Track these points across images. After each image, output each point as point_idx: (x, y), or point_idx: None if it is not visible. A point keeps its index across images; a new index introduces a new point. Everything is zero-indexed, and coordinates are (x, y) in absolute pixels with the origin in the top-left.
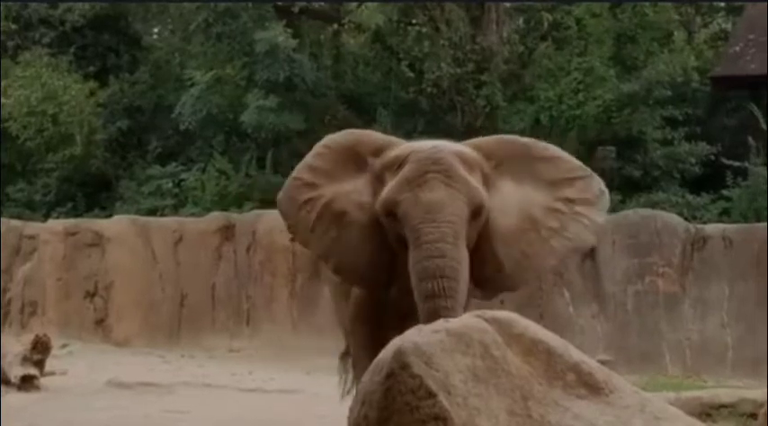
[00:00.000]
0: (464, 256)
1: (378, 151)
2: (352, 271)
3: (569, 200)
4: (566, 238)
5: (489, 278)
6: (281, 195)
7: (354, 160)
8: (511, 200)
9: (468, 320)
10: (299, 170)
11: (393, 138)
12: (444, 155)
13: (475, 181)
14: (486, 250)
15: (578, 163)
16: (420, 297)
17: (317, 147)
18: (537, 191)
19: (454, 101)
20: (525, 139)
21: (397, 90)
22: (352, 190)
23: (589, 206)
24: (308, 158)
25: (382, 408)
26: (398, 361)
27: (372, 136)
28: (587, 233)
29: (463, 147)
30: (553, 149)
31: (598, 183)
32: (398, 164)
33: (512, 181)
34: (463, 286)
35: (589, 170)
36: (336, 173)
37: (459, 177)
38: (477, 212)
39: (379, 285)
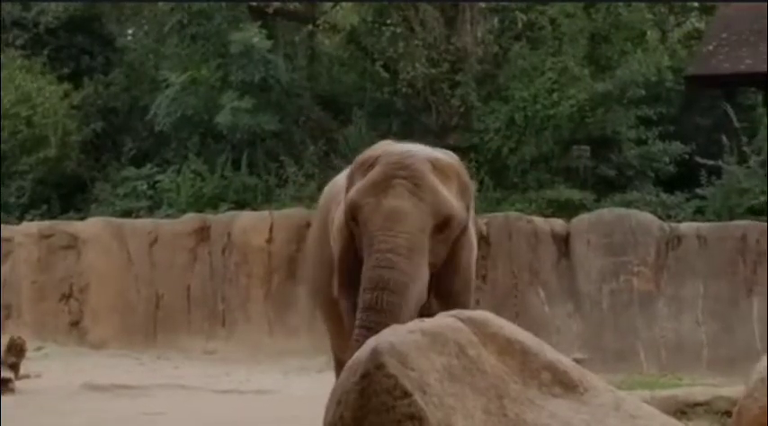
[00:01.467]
0: (418, 272)
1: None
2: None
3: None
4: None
5: (454, 292)
6: None
7: None
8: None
9: (443, 320)
10: None
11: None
12: (415, 161)
13: (447, 190)
14: (462, 264)
15: None
16: (359, 308)
17: None
18: None
19: (429, 101)
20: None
21: (371, 90)
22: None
23: None
24: None
25: (357, 408)
26: (374, 361)
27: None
28: None
29: (441, 154)
30: None
31: None
32: (368, 165)
33: None
34: (409, 302)
35: None
36: None
37: (428, 186)
38: (444, 224)
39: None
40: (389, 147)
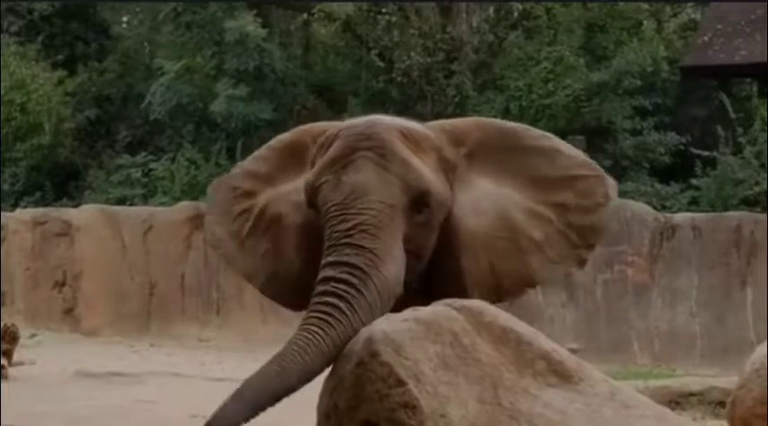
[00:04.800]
0: (388, 253)
1: (318, 137)
2: (281, 287)
3: (562, 207)
4: (549, 259)
5: (451, 295)
6: (208, 210)
7: (299, 156)
8: (484, 199)
9: (437, 308)
10: (236, 176)
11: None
12: (379, 130)
13: (420, 163)
14: (447, 258)
15: (584, 158)
16: (312, 300)
17: (261, 150)
18: (520, 190)
19: (424, 90)
20: (512, 125)
21: (367, 79)
22: (292, 190)
23: (587, 216)
24: (248, 162)
25: (352, 396)
26: (368, 349)
27: (320, 125)
28: (573, 257)
29: (413, 124)
30: (551, 139)
31: (606, 187)
32: (329, 143)
33: (488, 176)
34: (374, 290)
35: (599, 168)
36: (278, 175)
37: (396, 156)
38: (420, 201)
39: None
40: (349, 122)
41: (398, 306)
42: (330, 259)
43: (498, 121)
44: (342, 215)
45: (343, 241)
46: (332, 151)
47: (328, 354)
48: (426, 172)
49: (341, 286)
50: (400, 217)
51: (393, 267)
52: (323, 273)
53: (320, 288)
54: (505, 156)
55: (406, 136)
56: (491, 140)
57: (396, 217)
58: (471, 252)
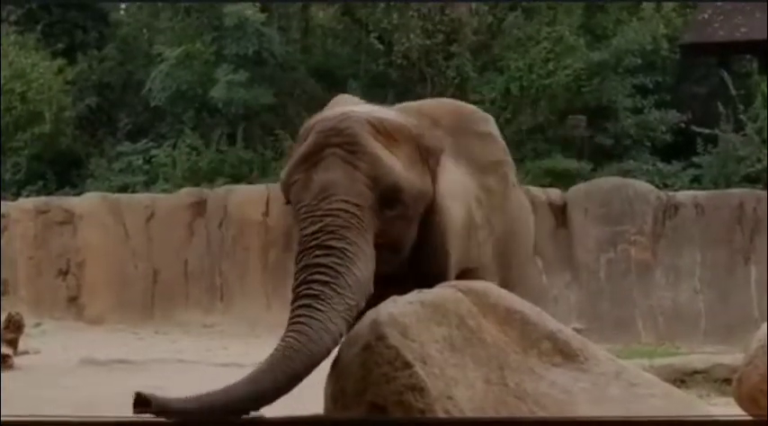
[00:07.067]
0: (358, 252)
1: None
2: None
3: (490, 192)
4: (477, 243)
5: (433, 278)
6: None
7: None
8: (456, 183)
9: (442, 290)
10: None
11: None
12: (351, 124)
13: (391, 157)
14: (437, 245)
15: (503, 143)
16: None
17: None
18: (469, 175)
19: (424, 72)
20: (466, 106)
21: (366, 62)
22: None
23: (503, 200)
24: None
25: (359, 380)
26: (374, 332)
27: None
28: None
29: (388, 114)
30: (488, 123)
31: (513, 171)
32: (305, 136)
33: (454, 160)
34: (345, 289)
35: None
36: None
37: (365, 152)
38: (390, 196)
39: None
40: (325, 113)
41: (386, 292)
42: (301, 264)
43: (461, 104)
44: (310, 218)
45: (312, 244)
46: (304, 147)
47: (303, 364)
48: (397, 166)
49: (314, 286)
50: (369, 215)
51: (363, 265)
52: (296, 279)
53: (294, 293)
54: (460, 139)
55: (379, 129)
56: (454, 123)
57: (363, 215)
58: (455, 239)
